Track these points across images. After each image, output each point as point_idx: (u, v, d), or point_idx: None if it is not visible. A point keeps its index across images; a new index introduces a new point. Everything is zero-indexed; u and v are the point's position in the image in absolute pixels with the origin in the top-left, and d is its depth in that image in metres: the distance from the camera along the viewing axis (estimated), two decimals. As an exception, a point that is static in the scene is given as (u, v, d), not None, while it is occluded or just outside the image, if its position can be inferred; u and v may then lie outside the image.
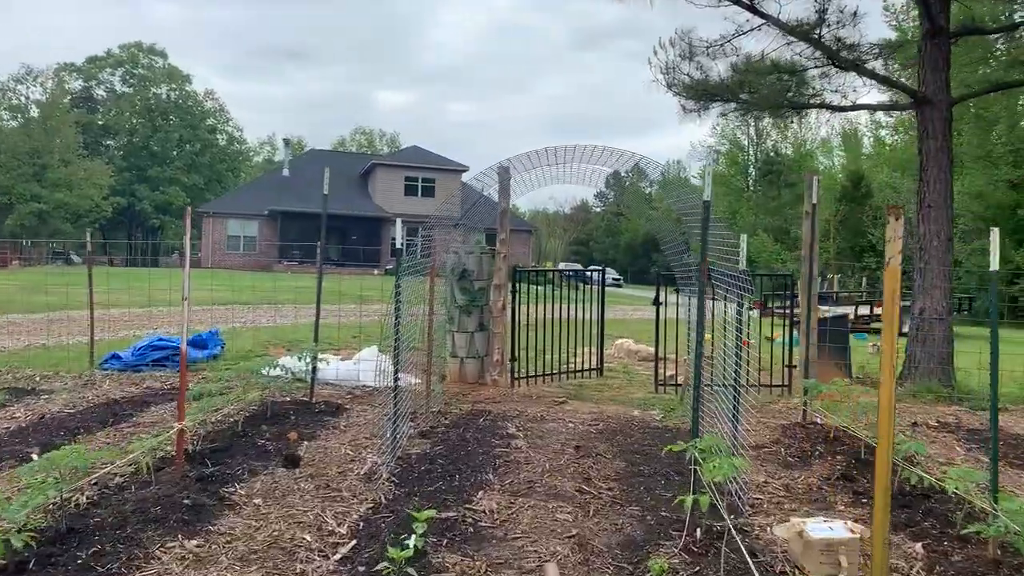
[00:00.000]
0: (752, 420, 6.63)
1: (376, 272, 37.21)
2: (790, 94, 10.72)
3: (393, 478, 5.13)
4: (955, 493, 4.36)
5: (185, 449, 5.33)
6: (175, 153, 67.00)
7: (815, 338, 7.81)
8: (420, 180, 46.10)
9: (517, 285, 9.12)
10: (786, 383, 8.94)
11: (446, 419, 7.12)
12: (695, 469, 4.44)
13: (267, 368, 7.09)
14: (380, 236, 43.95)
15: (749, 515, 4.67)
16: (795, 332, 9.02)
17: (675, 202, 8.80)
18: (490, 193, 9.16)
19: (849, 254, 38.75)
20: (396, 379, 5.61)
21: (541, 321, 9.33)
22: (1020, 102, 34.52)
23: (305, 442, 5.98)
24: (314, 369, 7.58)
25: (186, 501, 4.43)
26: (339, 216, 41.41)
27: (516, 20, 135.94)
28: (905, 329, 21.33)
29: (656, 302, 8.72)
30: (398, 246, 5.68)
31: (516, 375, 9.07)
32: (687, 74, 11.04)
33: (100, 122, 66.06)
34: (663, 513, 4.63)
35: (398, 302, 5.57)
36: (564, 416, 7.48)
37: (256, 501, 4.61)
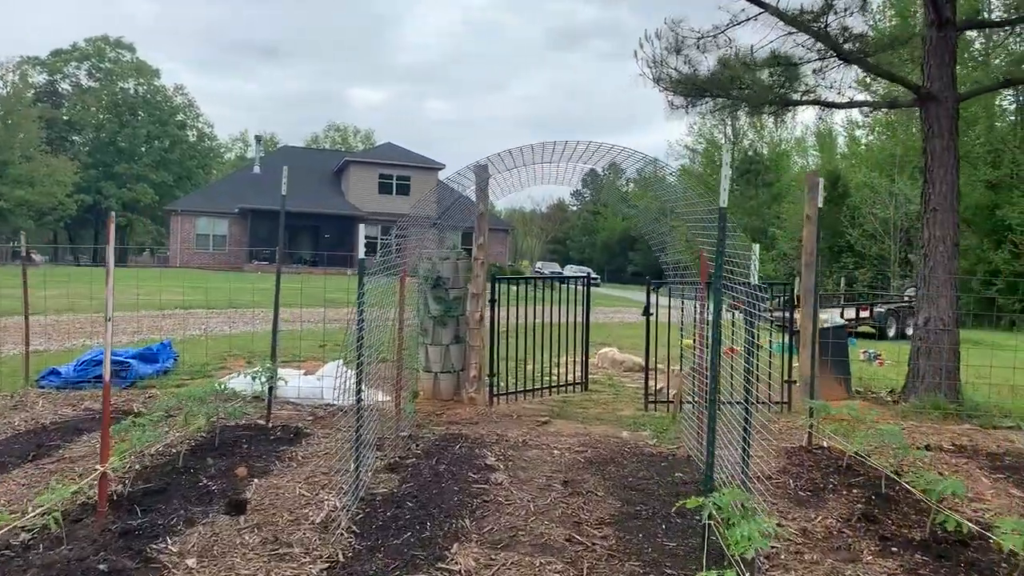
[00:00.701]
0: (755, 444, 5.99)
1: (349, 272, 36.28)
2: (783, 90, 10.10)
3: (354, 527, 4.42)
4: (1012, 550, 3.72)
5: (111, 494, 4.58)
6: (143, 149, 65.24)
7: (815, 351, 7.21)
8: (395, 178, 45.20)
9: (496, 294, 8.30)
10: (786, 399, 8.32)
11: (417, 446, 6.40)
12: (709, 524, 3.79)
13: (216, 389, 6.33)
14: (353, 235, 42.98)
15: (767, 570, 4.04)
16: (790, 339, 8.43)
17: (663, 195, 8.16)
18: (468, 193, 8.42)
19: (827, 254, 38.48)
20: (359, 405, 4.89)
21: (521, 327, 8.59)
22: (998, 102, 34.50)
23: (255, 479, 5.24)
24: (271, 390, 6.83)
25: (101, 566, 3.69)
26: (311, 215, 40.47)
27: (493, 19, 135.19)
28: (890, 333, 21.18)
29: (647, 313, 8.05)
30: (361, 256, 4.98)
31: (495, 391, 8.36)
32: (675, 68, 10.40)
33: (65, 117, 64.03)
34: (668, 570, 3.97)
35: (361, 317, 4.86)
36: (548, 440, 6.79)
37: (189, 562, 3.88)
